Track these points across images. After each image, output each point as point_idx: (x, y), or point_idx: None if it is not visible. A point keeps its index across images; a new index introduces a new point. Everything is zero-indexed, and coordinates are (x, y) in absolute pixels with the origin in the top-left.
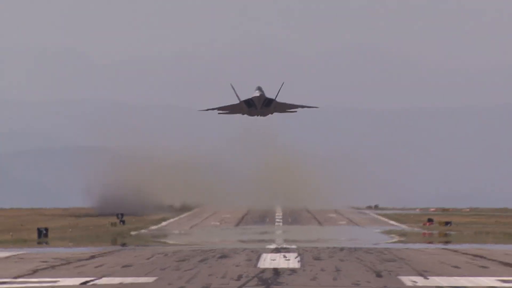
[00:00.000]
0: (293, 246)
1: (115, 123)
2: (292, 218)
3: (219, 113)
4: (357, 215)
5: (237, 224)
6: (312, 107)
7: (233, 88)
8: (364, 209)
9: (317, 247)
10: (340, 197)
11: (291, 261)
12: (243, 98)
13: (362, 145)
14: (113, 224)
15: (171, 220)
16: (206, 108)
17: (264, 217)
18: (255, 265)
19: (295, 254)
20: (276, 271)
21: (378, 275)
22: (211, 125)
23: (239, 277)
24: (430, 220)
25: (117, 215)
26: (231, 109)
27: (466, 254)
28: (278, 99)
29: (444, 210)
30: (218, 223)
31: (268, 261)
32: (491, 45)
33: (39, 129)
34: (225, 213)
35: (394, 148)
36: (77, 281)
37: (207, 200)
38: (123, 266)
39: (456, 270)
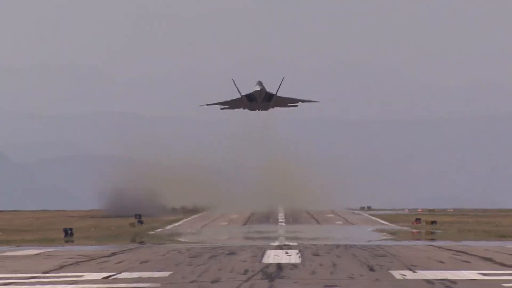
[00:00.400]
0: (294, 244)
1: (129, 133)
2: (293, 218)
3: (220, 108)
4: (352, 215)
5: (244, 224)
6: (313, 101)
7: (234, 83)
8: (358, 210)
9: (316, 244)
10: (336, 199)
11: (293, 257)
12: (244, 92)
13: (356, 152)
14: (132, 225)
15: (184, 220)
16: (207, 103)
17: (268, 218)
18: (260, 261)
19: (296, 251)
20: (279, 266)
21: (371, 269)
22: (216, 132)
23: (246, 272)
24: (417, 220)
25: (135, 216)
26: (232, 104)
27: (450, 250)
28: (279, 94)
29: (430, 210)
30: (226, 223)
31: (272, 257)
32: (469, 63)
33: (62, 140)
34: (233, 214)
35: (384, 156)
36: (100, 275)
37: (215, 202)
38: (141, 262)
39: (441, 264)
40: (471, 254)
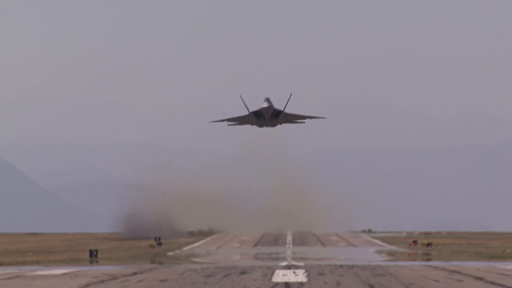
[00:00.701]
0: (301, 264)
1: (149, 161)
2: (300, 240)
3: (228, 125)
4: (354, 238)
5: (255, 246)
6: (320, 118)
7: (242, 99)
8: (359, 233)
9: (321, 265)
10: (339, 222)
11: (300, 276)
12: (252, 109)
13: (358, 179)
14: (152, 246)
15: (200, 242)
16: (216, 120)
17: (277, 240)
18: (270, 280)
19: (303, 270)
20: (287, 285)
21: (372, 287)
22: (227, 158)
23: None
24: (414, 242)
25: (155, 238)
26: (240, 120)
27: (444, 269)
28: (286, 110)
29: (426, 233)
30: (238, 245)
31: (281, 276)
32: (462, 98)
33: (91, 167)
34: (244, 236)
35: (384, 182)
36: None
37: (228, 225)
38: (160, 281)
39: (436, 283)
40: (464, 274)
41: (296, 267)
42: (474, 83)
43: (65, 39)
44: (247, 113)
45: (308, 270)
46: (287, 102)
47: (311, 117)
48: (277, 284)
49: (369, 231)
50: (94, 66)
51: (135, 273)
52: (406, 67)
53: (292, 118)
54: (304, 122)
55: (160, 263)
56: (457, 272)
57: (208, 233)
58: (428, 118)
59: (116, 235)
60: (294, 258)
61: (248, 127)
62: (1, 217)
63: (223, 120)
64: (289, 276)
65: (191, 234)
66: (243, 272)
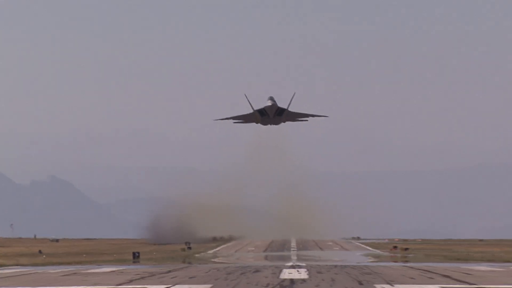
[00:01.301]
0: (303, 264)
1: (180, 181)
2: (303, 245)
3: (234, 122)
4: (346, 243)
5: (265, 250)
6: (322, 116)
7: (247, 98)
8: (350, 239)
9: (319, 265)
10: (334, 231)
11: (302, 274)
12: (256, 107)
13: (348, 196)
14: (183, 250)
15: (221, 247)
16: (221, 118)
17: (283, 245)
18: (278, 277)
19: (305, 269)
20: (292, 281)
21: (360, 283)
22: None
23: (267, 285)
24: (395, 247)
25: (185, 243)
26: (245, 118)
27: (419, 269)
28: (290, 109)
29: (404, 240)
30: (253, 249)
31: (287, 274)
32: (435, 126)
33: (132, 185)
34: (257, 242)
35: (370, 199)
36: (160, 287)
37: (244, 233)
38: (190, 277)
39: (412, 280)
40: (434, 273)
41: (299, 266)
42: (442, 115)
43: (120, 82)
44: (252, 111)
45: (309, 269)
46: (291, 101)
47: (313, 116)
48: (284, 280)
49: (358, 238)
50: (134, 103)
51: (169, 271)
52: (405, 105)
53: (295, 116)
54: (307, 120)
55: (189, 263)
56: (429, 271)
57: (228, 239)
58: (410, 144)
59: (147, 241)
60: (297, 260)
61: (253, 128)
62: (62, 226)
63: (228, 118)
64: (294, 274)
65: (214, 240)
66: (257, 271)
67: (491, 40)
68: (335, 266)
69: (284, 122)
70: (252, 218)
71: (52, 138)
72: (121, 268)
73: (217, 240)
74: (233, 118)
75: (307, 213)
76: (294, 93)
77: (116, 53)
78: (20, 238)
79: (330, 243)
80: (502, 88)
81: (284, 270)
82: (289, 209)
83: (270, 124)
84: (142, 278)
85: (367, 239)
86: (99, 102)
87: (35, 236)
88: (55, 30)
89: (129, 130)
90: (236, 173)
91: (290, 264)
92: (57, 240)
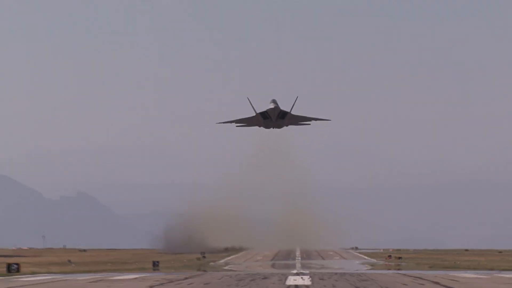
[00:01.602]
0: (307, 271)
1: (192, 196)
2: (306, 255)
3: (236, 126)
4: (345, 253)
5: (272, 259)
6: (325, 120)
7: (250, 101)
8: (349, 249)
9: (321, 272)
10: (335, 242)
11: (305, 281)
12: (258, 110)
13: (347, 209)
14: (198, 259)
15: (233, 256)
16: (224, 121)
17: (289, 254)
18: (284, 283)
19: (308, 276)
20: (297, 287)
21: None
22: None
23: None
24: (389, 256)
25: (200, 252)
26: (247, 122)
27: (411, 276)
28: (292, 112)
29: (398, 250)
30: (261, 258)
31: (292, 280)
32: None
33: (150, 199)
34: (265, 251)
35: (366, 212)
36: None
37: (253, 244)
38: (205, 284)
39: (405, 286)
40: (425, 279)
41: (303, 274)
42: (428, 135)
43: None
44: (254, 114)
45: (312, 276)
46: (293, 104)
47: (316, 119)
48: (289, 286)
49: (356, 248)
50: (150, 118)
51: (186, 278)
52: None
53: (298, 120)
54: (309, 124)
55: (204, 271)
56: (420, 278)
57: (239, 249)
58: (400, 161)
59: (161, 251)
60: (301, 268)
61: (256, 135)
62: (89, 237)
63: (231, 122)
64: (298, 281)
65: (226, 250)
66: (265, 278)
67: (487, 70)
68: (336, 273)
69: (286, 125)
70: (259, 229)
71: (79, 157)
72: (142, 275)
73: (228, 250)
74: (236, 121)
75: (310, 224)
76: (297, 97)
77: (131, 68)
78: (51, 248)
79: (331, 253)
80: (486, 112)
81: (290, 277)
82: (294, 220)
83: (273, 128)
84: (162, 284)
85: (364, 249)
86: (116, 123)
87: (64, 246)
88: (82, 53)
89: (147, 147)
90: (241, 186)
91: (295, 271)
92: (84, 250)
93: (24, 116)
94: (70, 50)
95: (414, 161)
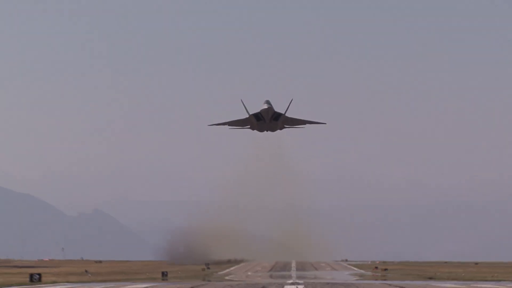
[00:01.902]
0: (301, 281)
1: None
2: (301, 266)
3: (229, 128)
4: (336, 265)
5: (270, 270)
6: (320, 123)
7: (243, 103)
8: (339, 261)
9: (314, 282)
10: (327, 254)
11: None
12: (252, 112)
13: (337, 226)
14: (203, 269)
15: (234, 267)
16: (216, 123)
17: (285, 266)
18: None
19: (303, 286)
20: None
21: None
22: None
23: None
24: (376, 267)
25: (205, 264)
26: (240, 123)
27: (396, 286)
28: (287, 115)
29: (384, 262)
30: (260, 269)
31: None
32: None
33: (159, 215)
34: (264, 263)
35: (355, 229)
36: None
37: (253, 256)
38: None
39: None
40: None
41: (298, 283)
42: (412, 155)
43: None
44: (247, 116)
45: (306, 285)
46: (288, 106)
47: (311, 122)
48: None
49: (346, 260)
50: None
51: (192, 287)
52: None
53: (292, 122)
54: (304, 127)
55: (208, 280)
56: (404, 287)
57: (240, 261)
58: (387, 182)
59: (167, 262)
60: (296, 278)
61: (251, 142)
62: (104, 250)
63: (223, 124)
64: None
65: (229, 261)
66: (263, 287)
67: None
68: (328, 283)
69: (280, 129)
70: (258, 243)
71: (96, 177)
72: (153, 285)
73: (230, 262)
74: (229, 123)
75: (304, 238)
76: (292, 99)
77: (135, 88)
78: (70, 260)
79: (323, 264)
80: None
81: (286, 286)
82: (289, 235)
83: (267, 130)
84: None
85: (353, 261)
86: (124, 146)
87: (82, 258)
88: (102, 77)
89: (155, 167)
90: (241, 203)
91: (290, 281)
92: (100, 262)
93: (47, 139)
94: (90, 72)
95: (399, 183)
